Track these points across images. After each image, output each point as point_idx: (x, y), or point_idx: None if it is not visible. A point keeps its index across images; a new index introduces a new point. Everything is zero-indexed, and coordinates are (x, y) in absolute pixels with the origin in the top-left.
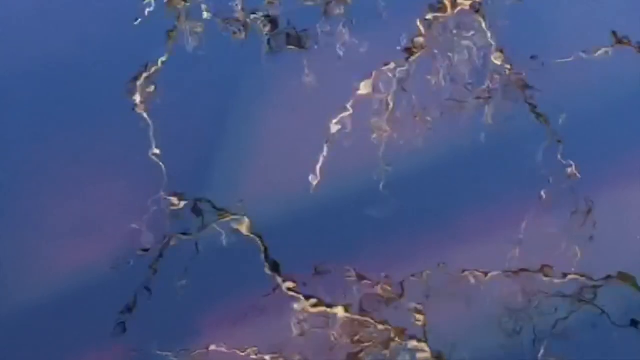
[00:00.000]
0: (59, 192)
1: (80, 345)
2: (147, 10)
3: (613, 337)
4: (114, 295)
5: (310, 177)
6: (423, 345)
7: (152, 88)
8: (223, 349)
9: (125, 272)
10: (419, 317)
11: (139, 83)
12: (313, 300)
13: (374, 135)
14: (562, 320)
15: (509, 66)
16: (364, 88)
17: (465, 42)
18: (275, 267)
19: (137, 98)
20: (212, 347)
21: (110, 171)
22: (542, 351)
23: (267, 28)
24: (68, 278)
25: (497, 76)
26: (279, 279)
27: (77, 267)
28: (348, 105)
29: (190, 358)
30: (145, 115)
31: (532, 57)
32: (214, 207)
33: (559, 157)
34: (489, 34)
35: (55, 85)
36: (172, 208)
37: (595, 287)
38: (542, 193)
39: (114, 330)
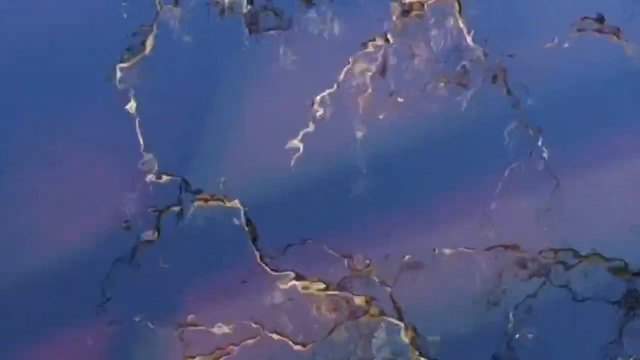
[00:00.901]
0: (46, 170)
1: (65, 317)
2: None
3: (580, 313)
4: (98, 269)
5: (291, 156)
6: (398, 321)
7: (136, 70)
8: (204, 322)
9: (110, 246)
10: (394, 292)
11: (123, 65)
12: (292, 276)
13: (352, 117)
14: (531, 296)
15: (481, 51)
16: (343, 70)
17: (440, 28)
18: (256, 243)
19: (122, 79)
20: (194, 320)
21: (96, 150)
22: (512, 326)
23: (248, 10)
24: (53, 252)
25: (470, 61)
26: (260, 255)
27: (63, 242)
28: (327, 87)
29: (173, 330)
30: (130, 96)
31: (504, 43)
32: (198, 185)
33: (529, 138)
34: (463, 20)
35: (42, 66)
36: (157, 186)
37: (563, 264)
38: (513, 173)
39: (98, 302)
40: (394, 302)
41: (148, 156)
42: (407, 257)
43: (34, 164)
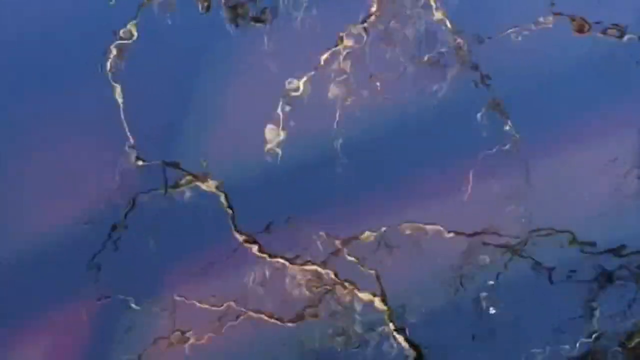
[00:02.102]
0: (34, 154)
1: (52, 295)
2: None
3: (550, 289)
4: (85, 249)
5: (271, 139)
6: (376, 299)
7: (122, 56)
8: (187, 300)
9: (96, 227)
10: (372, 270)
11: (109, 51)
12: (273, 254)
13: (332, 100)
14: (503, 274)
15: (456, 37)
16: (322, 56)
17: (416, 14)
18: (237, 223)
19: (109, 65)
20: (177, 297)
21: (82, 134)
22: (485, 302)
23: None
24: (41, 233)
25: (444, 47)
26: (241, 234)
27: (50, 223)
28: (307, 72)
29: (156, 307)
30: (115, 82)
31: (478, 29)
32: (181, 167)
33: (500, 123)
34: (438, 6)
35: (30, 53)
36: (141, 167)
37: (534, 243)
38: (485, 156)
39: (84, 281)
40: (371, 279)
41: (132, 140)
42: (384, 235)
43: (22, 148)
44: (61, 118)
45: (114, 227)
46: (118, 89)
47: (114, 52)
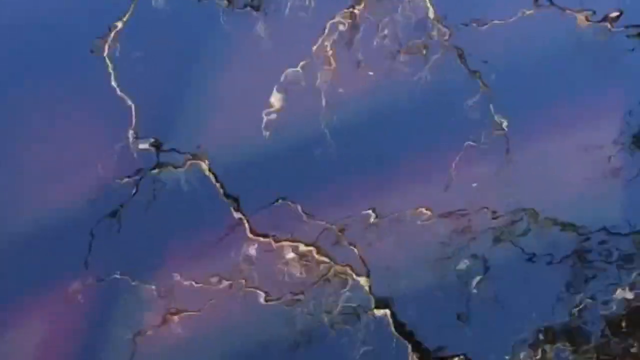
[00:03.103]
0: (34, 135)
1: (51, 275)
2: None
3: (533, 270)
4: (82, 228)
5: (264, 123)
6: (364, 279)
7: (119, 41)
8: (182, 278)
9: (93, 207)
10: (360, 250)
11: (107, 37)
12: (264, 234)
13: (321, 86)
14: (488, 255)
15: (442, 26)
16: (312, 44)
17: (404, 3)
18: (231, 204)
19: (106, 51)
20: (173, 276)
21: (81, 117)
22: (469, 283)
23: None
24: (40, 214)
25: (432, 35)
26: (234, 215)
27: (49, 204)
28: (298, 59)
29: (153, 285)
30: (112, 66)
31: (464, 18)
32: (177, 149)
33: (486, 108)
34: None
35: (27, 39)
36: (138, 150)
37: (517, 225)
38: (471, 140)
39: (82, 260)
40: (359, 259)
41: (130, 122)
42: (372, 217)
43: (22, 132)
44: (60, 102)
45: (111, 208)
46: (115, 73)
47: (111, 37)
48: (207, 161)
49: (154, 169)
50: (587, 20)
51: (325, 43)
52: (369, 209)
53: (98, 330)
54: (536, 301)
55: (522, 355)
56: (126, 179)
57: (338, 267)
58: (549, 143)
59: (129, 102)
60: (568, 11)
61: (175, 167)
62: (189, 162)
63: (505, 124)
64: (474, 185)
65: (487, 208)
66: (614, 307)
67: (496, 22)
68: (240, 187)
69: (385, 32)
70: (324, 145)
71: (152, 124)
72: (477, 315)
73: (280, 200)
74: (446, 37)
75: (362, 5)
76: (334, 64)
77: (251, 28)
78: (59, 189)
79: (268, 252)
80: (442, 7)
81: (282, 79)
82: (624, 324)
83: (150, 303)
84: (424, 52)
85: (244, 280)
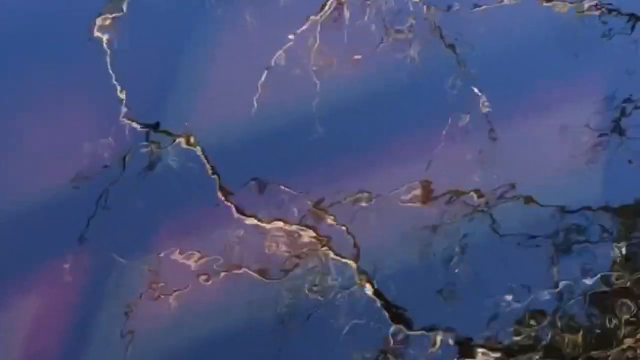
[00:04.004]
0: (28, 116)
1: (42, 253)
2: None
3: (514, 248)
4: (74, 208)
5: (252, 104)
6: (350, 257)
7: (112, 25)
8: (171, 256)
9: (85, 186)
10: (346, 229)
11: (100, 22)
12: (251, 214)
13: (309, 69)
14: (469, 234)
15: (426, 9)
16: (300, 28)
17: None
18: (219, 184)
19: (99, 35)
20: (162, 254)
21: (74, 99)
22: (451, 260)
23: None
24: (32, 192)
25: (416, 18)
26: (222, 194)
27: (42, 183)
28: (286, 43)
29: (143, 263)
30: (106, 50)
31: (447, 2)
32: (167, 130)
33: (469, 90)
34: None
35: (22, 22)
36: (129, 130)
37: (500, 204)
38: (454, 122)
39: (75, 239)
40: (345, 238)
41: (121, 103)
42: (357, 197)
43: (15, 112)
44: (53, 84)
45: (102, 187)
46: (109, 58)
47: (106, 22)
48: (196, 142)
49: (144, 149)
50: (568, 4)
51: (313, 26)
52: (355, 189)
53: (90, 306)
54: (516, 279)
55: (500, 331)
56: (117, 158)
57: (324, 246)
58: (531, 124)
59: (121, 83)
60: None
61: (165, 148)
62: (178, 143)
63: (487, 105)
64: (457, 164)
65: (470, 187)
66: (594, 285)
67: (480, 6)
68: (228, 167)
69: (371, 16)
70: (311, 127)
71: (143, 105)
72: (458, 292)
73: (267, 180)
74: (430, 20)
75: None
76: (321, 47)
77: (239, 12)
78: (51, 167)
79: (255, 231)
80: None
81: (269, 61)
82: (603, 301)
83: (139, 280)
84: (409, 35)
85: (231, 258)
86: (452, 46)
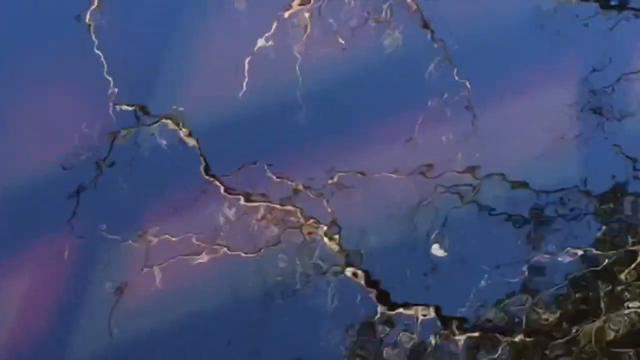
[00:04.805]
0: (20, 100)
1: (34, 231)
2: None
3: (494, 227)
4: (66, 188)
5: (239, 88)
6: (334, 237)
7: (99, 10)
8: (161, 235)
9: (76, 167)
10: (329, 209)
11: (90, 3)
12: (238, 193)
13: (293, 53)
14: (451, 212)
15: None
16: (286, 12)
17: None
18: (207, 164)
19: (87, 18)
20: (152, 233)
21: (64, 80)
22: (433, 240)
23: None
24: (23, 173)
25: (398, 4)
26: (209, 175)
27: (33, 163)
28: (272, 27)
29: (132, 242)
30: (94, 36)
31: None
32: (156, 113)
33: (449, 73)
34: None
35: (8, 6)
36: (119, 113)
37: (478, 184)
38: (434, 104)
39: (66, 218)
40: (329, 218)
41: (110, 85)
42: (341, 177)
43: (5, 95)
44: (41, 66)
45: (93, 167)
46: (97, 40)
47: (93, 4)
48: (184, 123)
49: (133, 129)
50: None
51: (299, 12)
52: (339, 169)
53: (80, 285)
54: (497, 257)
55: (480, 307)
56: (107, 140)
57: (309, 225)
58: (510, 106)
59: (109, 67)
60: None
61: (154, 129)
62: (167, 124)
63: (467, 87)
64: (438, 145)
65: (450, 168)
66: (570, 262)
67: None
68: (215, 148)
69: (353, 0)
70: (296, 109)
71: (131, 87)
72: (442, 271)
73: (253, 160)
74: (411, 5)
75: None
76: (305, 32)
77: None
78: (43, 148)
79: (242, 210)
80: None
81: (256, 44)
82: (580, 278)
83: (129, 258)
84: (390, 19)
85: (218, 237)
86: (432, 30)
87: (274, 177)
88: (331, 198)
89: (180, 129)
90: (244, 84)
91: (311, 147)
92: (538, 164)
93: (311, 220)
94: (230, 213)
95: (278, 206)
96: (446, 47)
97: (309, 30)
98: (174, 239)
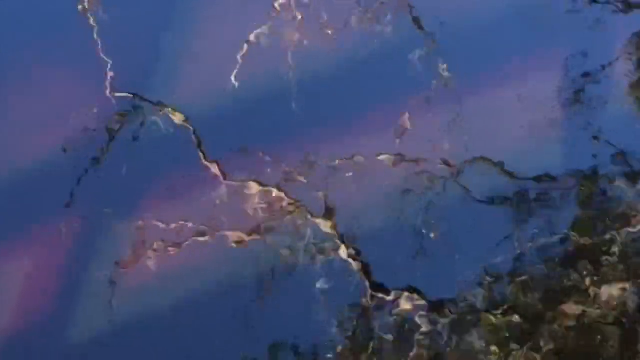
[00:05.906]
0: (21, 87)
1: (34, 214)
2: None
3: (481, 212)
4: (66, 173)
5: (233, 77)
6: (327, 220)
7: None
8: (157, 219)
9: (74, 154)
10: (321, 193)
11: None
12: (233, 179)
13: (286, 45)
14: (439, 198)
15: None
16: (278, 3)
17: None
18: (202, 151)
19: (85, 6)
20: (148, 217)
21: (61, 68)
22: (423, 224)
23: None
24: (23, 159)
25: None
26: (205, 160)
27: (33, 150)
28: (266, 18)
29: (129, 226)
30: (93, 23)
31: None
32: (153, 99)
33: (435, 63)
34: None
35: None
36: (116, 99)
37: (464, 170)
38: (421, 93)
39: (66, 202)
40: (322, 202)
41: (109, 74)
42: (332, 163)
43: (7, 80)
44: (40, 53)
45: (92, 153)
46: (96, 28)
47: None
48: (180, 110)
49: (131, 115)
50: None
51: (291, 4)
52: (331, 155)
53: (79, 267)
54: (484, 241)
55: (466, 289)
56: (105, 127)
57: (302, 209)
58: (495, 94)
59: (107, 54)
60: None
61: (151, 115)
62: (164, 111)
63: (453, 76)
64: (425, 132)
65: (439, 155)
66: (553, 244)
67: None
68: (211, 135)
69: None
70: (289, 97)
71: (129, 74)
72: (431, 254)
73: (248, 147)
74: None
75: None
76: (297, 24)
77: None
78: (46, 135)
79: (236, 195)
80: None
81: (250, 35)
82: (562, 260)
83: (127, 242)
84: (380, 10)
85: (213, 220)
86: (420, 21)
87: (268, 162)
88: (324, 183)
89: (177, 115)
90: (239, 72)
91: (304, 134)
92: (521, 150)
93: (304, 205)
94: (225, 197)
95: (272, 190)
96: (433, 38)
97: (301, 22)
98: (170, 223)
